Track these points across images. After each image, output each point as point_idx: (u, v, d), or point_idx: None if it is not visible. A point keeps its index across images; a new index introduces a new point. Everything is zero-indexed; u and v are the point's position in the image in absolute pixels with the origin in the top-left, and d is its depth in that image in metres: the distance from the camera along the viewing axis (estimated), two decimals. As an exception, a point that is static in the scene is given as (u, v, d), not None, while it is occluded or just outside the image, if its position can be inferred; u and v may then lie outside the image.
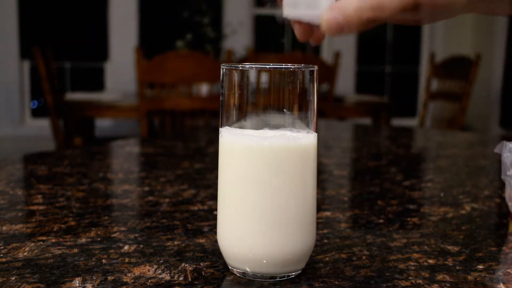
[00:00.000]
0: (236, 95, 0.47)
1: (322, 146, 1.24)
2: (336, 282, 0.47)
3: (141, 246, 0.55)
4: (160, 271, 0.49)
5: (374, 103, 3.38)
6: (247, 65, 0.46)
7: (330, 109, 2.89)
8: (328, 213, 0.69)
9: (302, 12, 0.44)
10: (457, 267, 0.51)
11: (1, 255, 0.52)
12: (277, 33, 5.38)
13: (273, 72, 0.46)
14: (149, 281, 0.47)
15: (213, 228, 0.61)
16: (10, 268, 0.49)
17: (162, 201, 0.73)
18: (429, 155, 1.27)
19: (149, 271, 0.49)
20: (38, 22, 4.87)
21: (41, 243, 0.56)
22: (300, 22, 0.45)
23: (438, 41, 5.28)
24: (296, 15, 0.44)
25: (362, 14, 0.41)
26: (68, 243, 0.56)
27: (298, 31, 0.46)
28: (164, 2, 4.98)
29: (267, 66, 0.46)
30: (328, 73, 2.85)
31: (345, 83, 4.99)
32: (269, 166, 0.46)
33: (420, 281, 0.48)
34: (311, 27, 0.46)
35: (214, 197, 0.75)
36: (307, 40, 0.47)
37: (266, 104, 0.47)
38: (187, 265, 0.50)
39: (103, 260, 0.51)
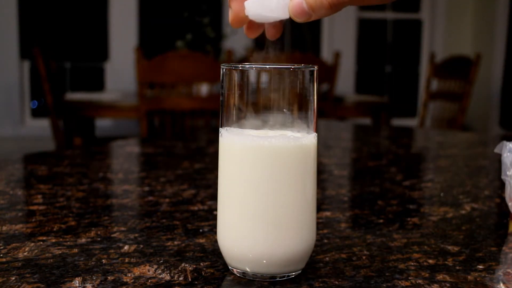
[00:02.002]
0: (236, 95, 0.47)
1: (322, 146, 1.24)
2: (336, 282, 0.47)
3: (141, 246, 0.55)
4: (160, 271, 0.49)
5: (374, 103, 3.37)
6: (247, 65, 0.46)
7: (330, 109, 2.89)
8: (328, 213, 0.69)
9: (264, 14, 0.46)
10: (457, 267, 0.51)
11: (1, 255, 0.52)
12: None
13: (273, 72, 0.46)
14: (149, 281, 0.47)
15: (213, 228, 0.61)
16: (10, 268, 0.49)
17: (162, 201, 0.73)
18: (429, 155, 1.27)
19: (149, 271, 0.49)
20: (38, 22, 4.87)
21: (41, 243, 0.56)
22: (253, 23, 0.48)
23: (438, 41, 5.28)
24: (258, 16, 0.47)
25: (324, 0, 0.43)
26: (68, 243, 0.56)
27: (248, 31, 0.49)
28: (164, 2, 4.98)
29: (267, 66, 0.46)
30: (328, 73, 2.85)
31: (345, 83, 4.99)
32: (269, 166, 0.46)
33: (420, 281, 0.48)
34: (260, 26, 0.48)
35: (214, 197, 0.75)
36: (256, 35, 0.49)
37: (266, 104, 0.47)
38: (187, 265, 0.50)
39: (103, 260, 0.51)
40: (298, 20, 0.45)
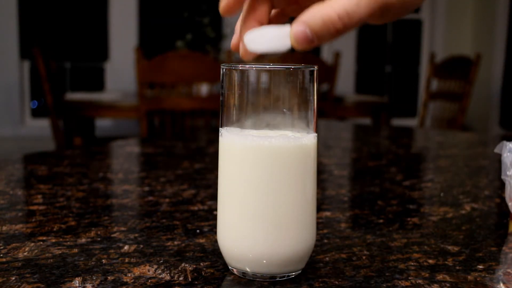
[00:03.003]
0: (236, 95, 0.47)
1: (322, 146, 1.24)
2: (336, 282, 0.47)
3: (141, 246, 0.55)
4: (160, 271, 0.49)
5: (374, 103, 3.38)
6: (247, 65, 0.46)
7: (330, 109, 2.89)
8: (328, 213, 0.69)
9: (267, 45, 0.44)
10: (457, 267, 0.51)
11: (1, 255, 0.52)
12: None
13: (273, 72, 0.46)
14: (149, 281, 0.47)
15: (213, 228, 0.61)
16: (10, 268, 0.49)
17: (162, 201, 0.73)
18: (429, 155, 1.27)
19: (149, 271, 0.49)
20: (38, 22, 4.87)
21: (41, 243, 0.56)
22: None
23: (438, 41, 5.28)
24: (262, 49, 0.44)
25: (330, 25, 0.40)
26: (68, 243, 0.56)
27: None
28: (164, 2, 4.98)
29: (267, 66, 0.46)
30: (328, 73, 2.85)
31: (345, 83, 4.99)
32: (269, 166, 0.46)
33: (420, 281, 0.48)
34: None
35: (214, 197, 0.75)
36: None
37: (266, 104, 0.47)
38: (187, 265, 0.50)
39: (103, 260, 0.51)
40: (299, 48, 0.42)
